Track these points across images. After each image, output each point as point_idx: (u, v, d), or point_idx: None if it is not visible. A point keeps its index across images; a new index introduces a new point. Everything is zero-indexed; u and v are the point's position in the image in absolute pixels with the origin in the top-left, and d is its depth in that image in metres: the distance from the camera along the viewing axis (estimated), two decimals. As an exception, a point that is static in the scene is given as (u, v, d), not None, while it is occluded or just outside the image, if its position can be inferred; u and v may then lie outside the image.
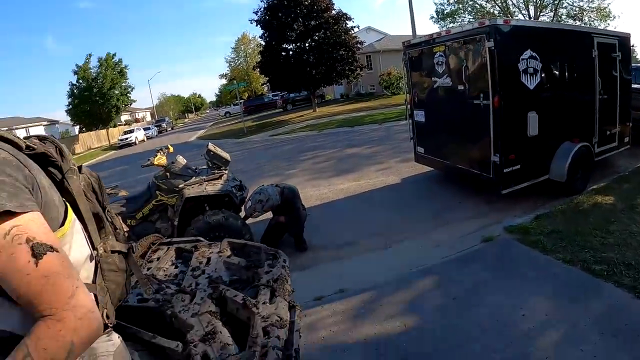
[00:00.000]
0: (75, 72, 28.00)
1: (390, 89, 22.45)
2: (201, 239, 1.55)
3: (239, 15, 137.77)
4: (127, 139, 25.67)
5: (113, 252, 0.94)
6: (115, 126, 34.20)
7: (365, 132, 11.26)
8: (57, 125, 38.46)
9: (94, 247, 0.90)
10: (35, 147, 0.81)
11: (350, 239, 4.17)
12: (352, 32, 20.79)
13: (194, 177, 3.88)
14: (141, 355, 0.93)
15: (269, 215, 4.22)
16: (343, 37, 19.97)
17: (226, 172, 4.09)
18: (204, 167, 4.26)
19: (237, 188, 4.07)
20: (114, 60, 28.55)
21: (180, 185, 3.72)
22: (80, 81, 27.97)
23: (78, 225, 0.87)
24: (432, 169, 5.77)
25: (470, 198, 4.80)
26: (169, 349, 0.95)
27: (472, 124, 4.42)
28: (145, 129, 31.14)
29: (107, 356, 0.88)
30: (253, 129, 18.36)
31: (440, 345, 2.29)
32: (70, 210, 0.85)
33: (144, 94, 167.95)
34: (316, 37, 20.21)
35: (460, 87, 4.53)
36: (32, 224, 0.67)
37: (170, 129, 38.65)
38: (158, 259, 1.44)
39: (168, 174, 3.87)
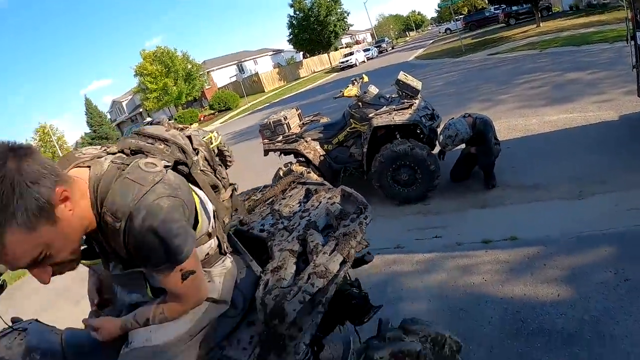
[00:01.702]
0: (291, 5, 31.47)
1: (626, -1, 14.56)
2: (326, 183, 1.85)
3: None
4: (347, 61, 27.44)
5: (223, 201, 1.39)
6: (336, 49, 36.92)
7: (592, 53, 8.50)
8: (282, 53, 43.75)
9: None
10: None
11: (542, 181, 3.64)
12: None
13: (384, 107, 4.10)
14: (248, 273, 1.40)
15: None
16: None
17: (417, 101, 4.10)
18: (395, 96, 4.38)
19: (427, 117, 4.05)
20: (325, -12, 30.22)
21: (370, 115, 4.02)
22: (297, 12, 31.23)
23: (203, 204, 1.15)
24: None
25: None
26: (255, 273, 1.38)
27: None
28: (365, 50, 32.07)
29: (219, 276, 1.20)
30: (471, 47, 16.69)
31: (591, 331, 1.94)
32: (197, 202, 1.10)
33: (362, 17, 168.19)
34: None
35: None
36: (190, 264, 1.00)
37: (390, 48, 38.79)
38: (291, 196, 1.86)
39: (360, 103, 4.23)
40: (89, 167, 0.97)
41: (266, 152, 4.75)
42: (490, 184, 3.84)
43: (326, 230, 1.50)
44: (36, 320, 1.34)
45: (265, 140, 4.66)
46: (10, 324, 1.28)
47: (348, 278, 1.69)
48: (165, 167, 1.02)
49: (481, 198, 3.75)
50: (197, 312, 1.15)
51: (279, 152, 4.72)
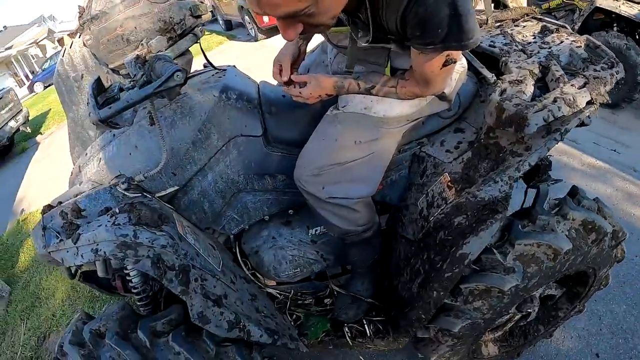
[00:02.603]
0: None
1: None
2: (567, 26, 1.59)
3: None
4: None
5: None
6: None
7: None
8: None
9: None
10: None
11: None
12: None
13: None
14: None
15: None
16: None
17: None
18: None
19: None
20: None
21: (595, -7, 3.22)
22: None
23: None
24: None
25: None
26: (484, 77, 1.31)
27: None
28: None
29: (455, 73, 1.16)
30: None
31: None
32: None
33: None
34: None
35: None
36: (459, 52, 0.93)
37: None
38: (524, 27, 1.65)
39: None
40: None
41: None
42: None
43: (565, 70, 1.34)
44: (234, 66, 1.42)
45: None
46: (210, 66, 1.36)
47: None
48: None
49: None
50: (423, 100, 1.14)
51: None
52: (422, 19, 0.83)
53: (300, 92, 1.09)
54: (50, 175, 5.15)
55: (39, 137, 7.55)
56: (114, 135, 1.24)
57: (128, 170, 1.18)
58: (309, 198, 1.21)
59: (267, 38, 8.14)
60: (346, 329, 1.38)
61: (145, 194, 1.14)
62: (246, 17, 8.28)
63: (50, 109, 9.50)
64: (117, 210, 1.05)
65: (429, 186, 1.21)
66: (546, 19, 1.74)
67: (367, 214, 1.24)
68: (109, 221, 1.03)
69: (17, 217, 4.34)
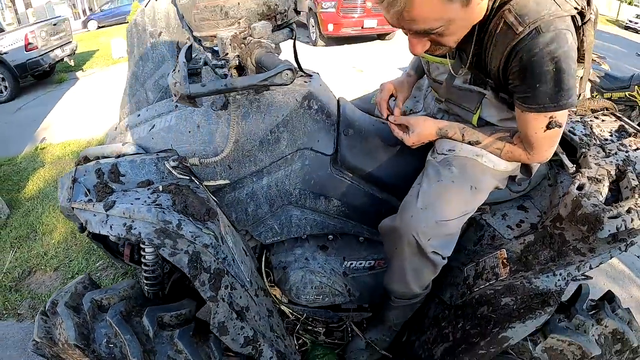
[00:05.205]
0: None
1: None
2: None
3: None
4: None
5: None
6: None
7: None
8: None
9: None
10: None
11: None
12: None
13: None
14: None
15: None
16: None
17: None
18: None
19: None
20: None
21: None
22: None
23: None
24: None
25: None
26: (561, 162, 1.28)
27: None
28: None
29: None
30: None
31: None
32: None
33: None
34: None
35: None
36: (563, 117, 0.92)
37: None
38: (603, 121, 1.64)
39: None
40: None
41: None
42: None
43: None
44: (317, 73, 1.38)
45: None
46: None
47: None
48: (575, 8, 0.86)
49: None
50: (516, 165, 1.12)
51: None
52: (524, 67, 0.84)
53: (402, 138, 1.12)
54: (79, 114, 5.15)
55: (79, 73, 7.58)
56: (176, 106, 1.18)
57: (182, 148, 1.12)
58: (397, 245, 1.09)
59: (325, 46, 8.18)
60: (353, 372, 1.34)
61: (193, 178, 1.07)
62: (312, 20, 8.30)
63: (98, 50, 9.54)
64: (160, 188, 0.98)
65: (482, 256, 1.18)
66: (625, 119, 1.73)
67: (432, 277, 1.17)
68: (149, 197, 0.96)
69: (36, 143, 4.34)
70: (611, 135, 1.57)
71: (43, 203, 3.11)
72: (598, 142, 1.42)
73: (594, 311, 1.28)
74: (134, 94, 1.35)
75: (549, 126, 0.92)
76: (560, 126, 0.94)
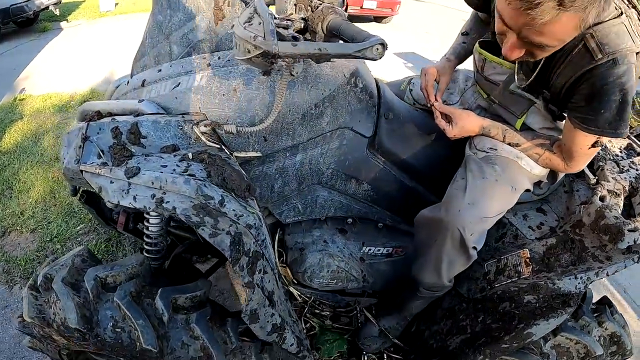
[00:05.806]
0: None
1: None
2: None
3: None
4: None
5: None
6: None
7: None
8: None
9: None
10: None
11: None
12: None
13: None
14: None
15: None
16: None
17: None
18: None
19: None
20: None
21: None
22: None
23: None
24: None
25: None
26: (582, 173, 1.34)
27: None
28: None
29: None
30: None
31: None
32: None
33: None
34: None
35: None
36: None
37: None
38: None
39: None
40: None
41: None
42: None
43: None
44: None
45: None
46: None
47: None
48: None
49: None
50: (547, 171, 1.17)
51: None
52: (594, 92, 0.87)
53: (444, 128, 1.11)
54: (62, 66, 4.81)
55: (63, 24, 7.04)
56: (209, 64, 1.05)
57: (212, 112, 1.00)
58: (437, 236, 1.09)
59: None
60: (365, 358, 1.36)
61: (223, 147, 0.98)
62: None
63: (85, 1, 8.96)
64: (190, 156, 0.88)
65: (504, 254, 1.22)
66: (632, 137, 1.84)
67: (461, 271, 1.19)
68: (177, 165, 0.84)
69: (15, 94, 4.04)
70: (621, 152, 1.66)
71: (20, 158, 2.88)
72: (612, 158, 1.50)
73: (596, 314, 1.37)
74: (154, 45, 1.21)
75: (594, 145, 0.97)
76: (602, 145, 1.01)
